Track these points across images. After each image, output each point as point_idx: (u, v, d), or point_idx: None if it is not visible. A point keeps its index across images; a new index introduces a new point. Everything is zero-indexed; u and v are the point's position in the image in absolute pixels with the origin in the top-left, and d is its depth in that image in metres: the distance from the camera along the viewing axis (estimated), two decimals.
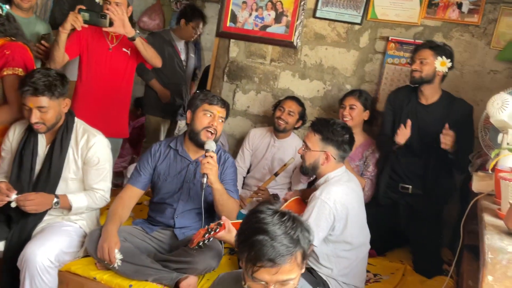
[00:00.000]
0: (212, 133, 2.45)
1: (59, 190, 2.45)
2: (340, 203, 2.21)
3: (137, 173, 2.57)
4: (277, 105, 3.46)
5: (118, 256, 2.24)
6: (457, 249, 2.22)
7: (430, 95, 2.91)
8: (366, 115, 3.20)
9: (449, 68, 2.85)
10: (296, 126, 3.42)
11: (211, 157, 2.32)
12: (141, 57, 3.19)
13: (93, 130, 2.54)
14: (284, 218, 1.41)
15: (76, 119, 2.54)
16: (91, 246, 2.35)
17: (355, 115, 3.16)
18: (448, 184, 2.94)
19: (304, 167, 2.38)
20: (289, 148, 3.37)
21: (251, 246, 1.38)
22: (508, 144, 2.01)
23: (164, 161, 2.56)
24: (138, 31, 3.12)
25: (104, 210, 3.06)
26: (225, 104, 2.52)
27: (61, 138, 2.44)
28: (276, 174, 3.26)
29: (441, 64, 2.79)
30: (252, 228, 1.41)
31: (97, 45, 3.14)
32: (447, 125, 2.70)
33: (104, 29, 2.98)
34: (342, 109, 3.20)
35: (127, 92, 3.30)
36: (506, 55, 3.10)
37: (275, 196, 3.23)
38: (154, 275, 2.25)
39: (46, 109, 2.33)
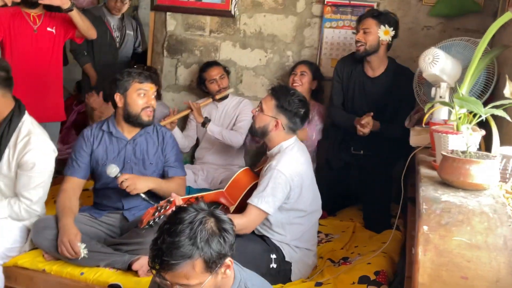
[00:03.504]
0: (151, 111, 2.43)
1: None
2: (296, 172, 2.24)
3: (74, 163, 2.48)
4: (203, 80, 3.47)
5: (82, 246, 2.18)
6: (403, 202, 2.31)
7: (376, 66, 2.93)
8: (314, 84, 3.27)
9: (393, 37, 2.85)
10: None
11: (124, 180, 2.28)
12: (69, 34, 3.09)
13: (39, 133, 2.36)
14: (197, 219, 1.36)
15: (25, 116, 2.37)
16: (37, 236, 2.29)
17: (305, 81, 3.22)
18: (397, 144, 2.99)
19: (253, 128, 2.38)
20: (231, 106, 3.45)
21: (153, 245, 1.37)
22: (440, 97, 2.08)
23: (100, 145, 2.49)
24: (73, 1, 2.98)
25: (50, 200, 2.98)
26: (153, 79, 2.49)
27: (1, 135, 2.30)
28: (213, 98, 3.38)
29: (384, 33, 2.78)
30: (166, 226, 1.38)
31: (20, 27, 2.98)
32: (367, 117, 2.81)
33: (40, 1, 2.84)
34: (294, 75, 3.24)
35: (58, 72, 3.18)
36: (438, 10, 3.18)
37: (207, 118, 3.32)
38: (106, 260, 2.22)
39: None
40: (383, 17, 2.83)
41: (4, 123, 2.30)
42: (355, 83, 3.00)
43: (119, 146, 2.49)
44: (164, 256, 1.32)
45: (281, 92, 2.32)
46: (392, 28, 2.81)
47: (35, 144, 2.29)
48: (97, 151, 2.48)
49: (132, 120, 2.44)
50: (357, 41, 2.87)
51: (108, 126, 2.50)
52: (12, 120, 2.31)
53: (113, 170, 2.30)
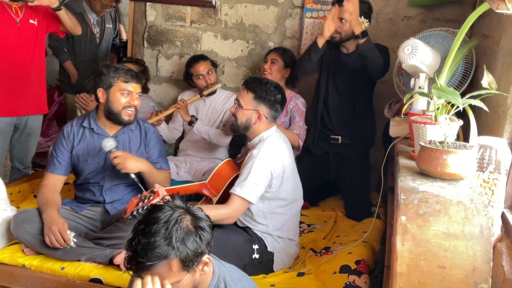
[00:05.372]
0: (132, 111, 2.40)
1: None
2: (277, 161, 2.25)
3: (55, 160, 2.44)
4: (189, 76, 3.39)
5: (72, 235, 2.16)
6: (384, 192, 2.34)
7: (351, 46, 2.94)
8: (286, 72, 3.20)
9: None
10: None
11: (116, 157, 2.28)
12: (52, 28, 3.05)
13: None
14: (172, 218, 1.34)
15: None
16: (17, 229, 2.24)
17: (274, 69, 3.16)
18: (370, 128, 3.04)
19: (235, 126, 2.37)
20: (219, 101, 3.39)
21: (128, 246, 1.35)
22: (419, 87, 2.09)
23: (81, 142, 2.45)
24: (61, 1, 2.94)
25: (29, 194, 2.95)
26: (139, 78, 2.44)
27: None
28: (201, 95, 3.30)
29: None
30: (140, 227, 1.35)
31: (1, 19, 2.92)
32: None
33: (30, 4, 2.81)
34: (265, 63, 3.20)
35: (40, 65, 3.13)
36: (418, 0, 3.19)
37: (194, 117, 3.22)
38: (87, 254, 2.19)
39: None
40: (360, 8, 2.78)
41: None
42: (331, 59, 2.97)
43: (100, 142, 2.44)
44: (139, 258, 1.30)
45: (255, 84, 2.32)
46: (367, 20, 2.83)
47: None
48: (77, 148, 2.44)
49: (112, 117, 2.41)
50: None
51: (89, 122, 2.46)
52: None
53: (108, 143, 2.29)
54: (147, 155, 2.51)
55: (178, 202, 1.41)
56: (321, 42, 2.80)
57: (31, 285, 2.20)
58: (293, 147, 2.91)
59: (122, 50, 4.47)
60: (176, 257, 1.32)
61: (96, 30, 3.93)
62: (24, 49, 3.01)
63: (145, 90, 3.58)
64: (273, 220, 2.33)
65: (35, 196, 2.95)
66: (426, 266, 1.27)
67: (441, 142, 1.49)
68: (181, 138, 3.60)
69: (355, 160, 3.00)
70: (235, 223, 2.35)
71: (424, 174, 1.49)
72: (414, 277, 1.28)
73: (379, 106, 3.01)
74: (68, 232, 2.15)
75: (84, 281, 2.13)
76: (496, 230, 1.54)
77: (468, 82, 2.21)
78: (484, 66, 1.72)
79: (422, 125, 1.61)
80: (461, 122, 1.66)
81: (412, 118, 1.72)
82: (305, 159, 3.10)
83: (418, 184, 1.42)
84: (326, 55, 3.00)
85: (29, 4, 2.82)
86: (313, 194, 2.99)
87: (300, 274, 2.25)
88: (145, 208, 2.01)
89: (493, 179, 1.53)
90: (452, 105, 1.58)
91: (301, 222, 2.61)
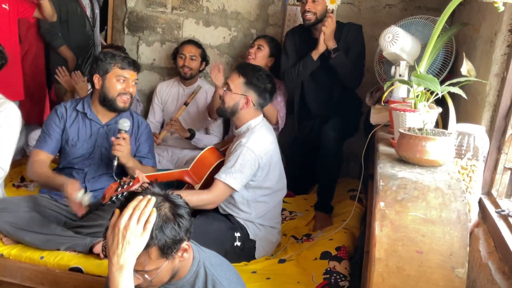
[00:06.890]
0: (128, 98, 2.37)
1: None
2: (265, 151, 2.26)
3: (46, 136, 2.41)
4: (176, 53, 3.38)
5: (85, 197, 2.14)
6: (365, 179, 2.36)
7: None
8: (270, 61, 3.15)
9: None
10: (200, 69, 3.39)
11: (124, 138, 2.26)
12: (25, 13, 3.02)
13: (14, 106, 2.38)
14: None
15: None
16: None
17: (259, 55, 3.10)
18: (353, 109, 2.99)
19: (222, 109, 2.35)
20: (200, 93, 3.33)
21: (106, 233, 1.32)
22: (400, 75, 2.10)
23: (73, 125, 2.42)
24: None
25: (8, 183, 2.90)
26: (136, 66, 2.42)
27: None
28: (186, 104, 3.26)
29: (331, 2, 2.73)
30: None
31: None
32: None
33: None
34: (251, 48, 3.15)
35: (14, 51, 3.09)
36: None
37: (191, 130, 3.22)
38: (67, 243, 2.17)
39: None
40: None
41: None
42: (306, 48, 2.90)
43: (92, 129, 2.43)
44: None
45: (248, 69, 2.31)
46: None
47: (5, 106, 2.30)
48: (69, 130, 2.42)
49: (107, 104, 2.38)
50: (307, 11, 2.77)
51: (83, 107, 2.43)
52: None
53: (126, 123, 2.30)
54: (136, 148, 2.49)
55: (156, 189, 1.40)
56: (316, 56, 2.78)
57: (10, 274, 2.17)
58: (273, 128, 2.89)
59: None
60: (154, 245, 1.31)
61: (89, 14, 3.83)
62: None
63: None
64: (256, 208, 2.34)
65: (13, 185, 2.91)
66: (404, 251, 1.28)
67: (420, 129, 1.51)
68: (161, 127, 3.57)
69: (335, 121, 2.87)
70: (217, 211, 2.35)
71: (403, 161, 1.51)
72: (392, 262, 1.29)
73: (361, 95, 3.02)
74: (79, 195, 2.13)
75: (64, 270, 2.11)
76: (474, 216, 1.56)
77: (448, 70, 2.23)
78: (464, 54, 1.74)
79: (402, 112, 1.62)
80: (440, 110, 1.67)
81: (392, 105, 1.73)
82: (292, 148, 3.09)
83: (397, 171, 1.43)
84: (302, 41, 2.94)
85: None
86: (300, 183, 2.99)
87: (282, 261, 2.27)
88: (124, 194, 2.00)
89: (471, 165, 1.55)
90: (432, 93, 1.59)
91: (283, 210, 2.62)
